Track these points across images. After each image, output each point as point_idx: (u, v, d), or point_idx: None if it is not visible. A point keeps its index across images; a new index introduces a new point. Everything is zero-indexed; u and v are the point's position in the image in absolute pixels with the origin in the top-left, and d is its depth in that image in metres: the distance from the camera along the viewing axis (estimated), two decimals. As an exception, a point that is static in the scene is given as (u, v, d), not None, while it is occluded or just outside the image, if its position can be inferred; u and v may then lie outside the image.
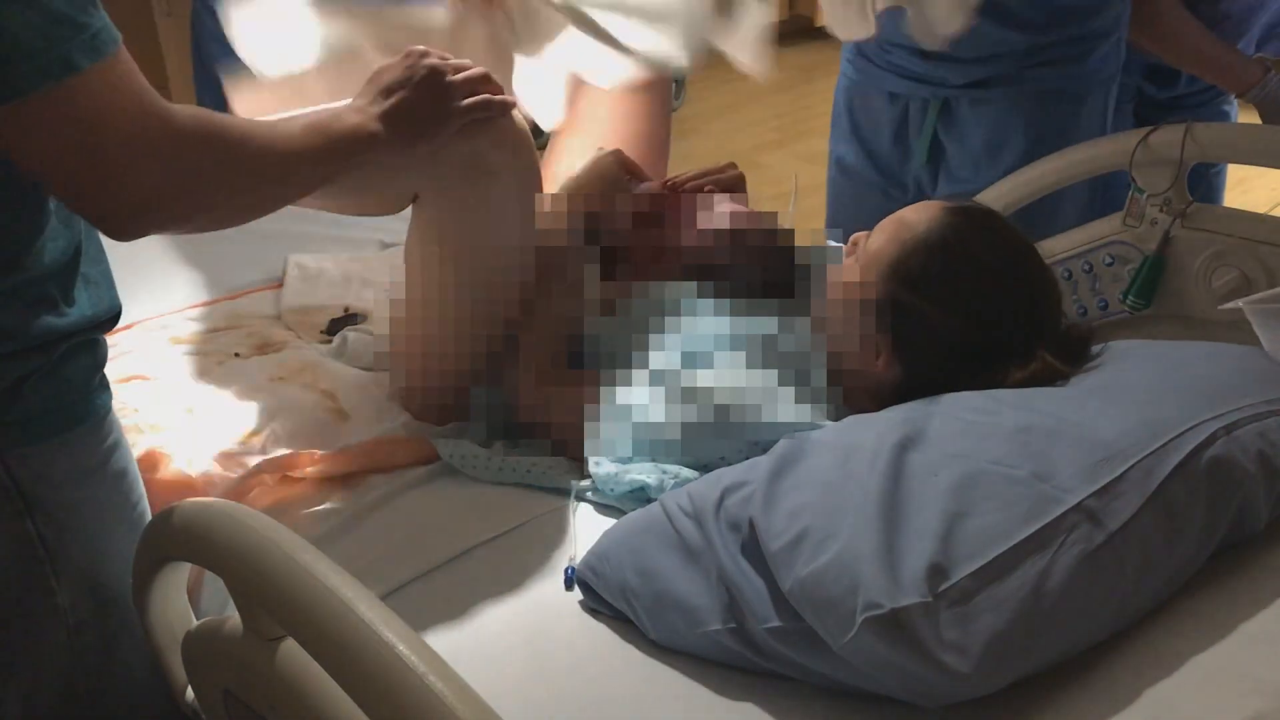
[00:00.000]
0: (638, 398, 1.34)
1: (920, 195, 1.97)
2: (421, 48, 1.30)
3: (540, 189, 1.44)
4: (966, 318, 1.30)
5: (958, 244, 1.31)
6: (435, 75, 1.27)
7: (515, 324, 1.45)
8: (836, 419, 1.31)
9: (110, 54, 0.95)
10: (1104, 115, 1.93)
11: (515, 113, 1.37)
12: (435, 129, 1.28)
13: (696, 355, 1.36)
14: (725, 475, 1.14)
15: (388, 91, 1.25)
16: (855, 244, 1.41)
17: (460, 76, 1.29)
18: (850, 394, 1.36)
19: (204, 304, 1.79)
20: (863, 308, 1.33)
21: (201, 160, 1.02)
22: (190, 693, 1.14)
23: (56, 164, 0.96)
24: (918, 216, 1.35)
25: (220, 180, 1.05)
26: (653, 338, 1.39)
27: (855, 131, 2.02)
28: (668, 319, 1.41)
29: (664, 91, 1.83)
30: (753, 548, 1.06)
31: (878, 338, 1.32)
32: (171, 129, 1.00)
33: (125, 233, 1.02)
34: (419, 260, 1.44)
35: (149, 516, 1.22)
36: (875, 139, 1.99)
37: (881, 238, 1.36)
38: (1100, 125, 1.93)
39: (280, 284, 1.85)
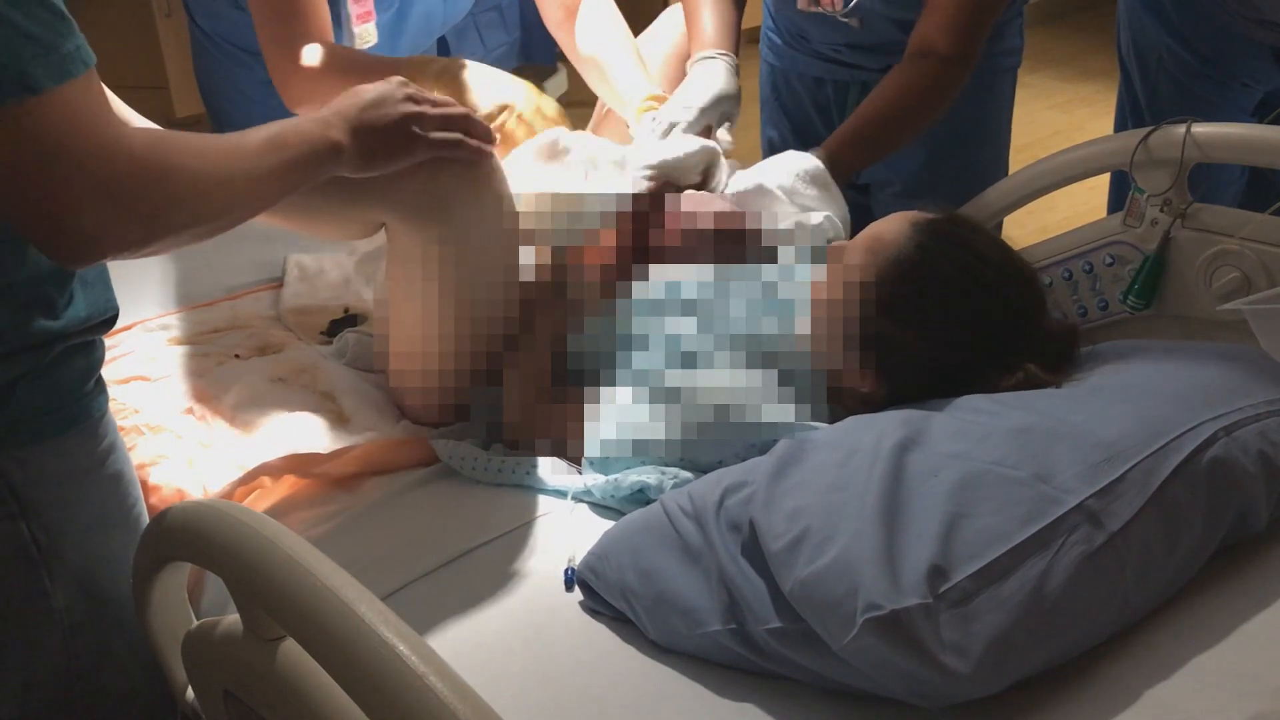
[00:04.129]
0: (635, 404, 1.34)
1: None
2: (401, 78, 1.31)
3: (513, 215, 1.43)
4: (942, 341, 1.30)
5: (926, 266, 1.31)
6: (410, 102, 1.28)
7: (511, 339, 1.44)
8: (832, 422, 1.31)
9: (75, 77, 0.93)
10: (1010, 101, 2.00)
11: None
12: (400, 154, 1.28)
13: (696, 356, 1.36)
14: (725, 476, 1.14)
15: (362, 106, 1.24)
16: (834, 254, 1.41)
17: (436, 111, 1.30)
18: (845, 408, 1.37)
19: (204, 304, 1.78)
20: (845, 326, 1.34)
21: (156, 191, 0.99)
22: (190, 693, 1.14)
23: (4, 185, 0.93)
24: (889, 234, 1.35)
25: (173, 210, 1.02)
26: (651, 338, 1.39)
27: (784, 113, 2.06)
28: (666, 319, 1.41)
29: None
30: (753, 548, 1.06)
31: (861, 358, 1.33)
32: (127, 158, 0.97)
33: (74, 260, 1.00)
34: (397, 284, 1.44)
35: (146, 519, 1.22)
36: (804, 119, 2.04)
37: (856, 257, 1.36)
38: (1007, 110, 2.00)
39: (280, 284, 1.84)
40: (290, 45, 1.67)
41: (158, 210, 1.00)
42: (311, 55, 1.66)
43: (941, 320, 1.31)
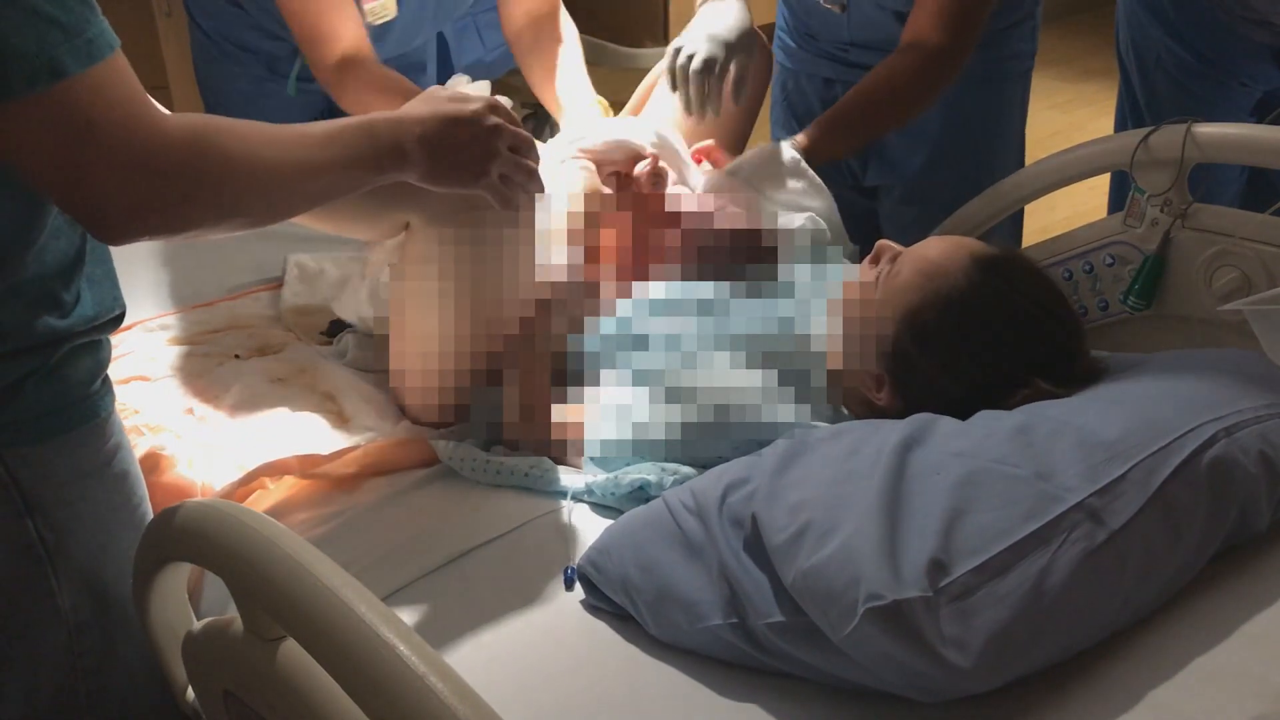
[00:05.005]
0: (635, 403, 1.34)
1: (853, 179, 2.01)
2: (500, 101, 1.25)
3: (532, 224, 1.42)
4: (968, 381, 1.29)
5: (977, 308, 1.29)
6: (495, 135, 1.23)
7: (512, 340, 1.44)
8: (834, 423, 1.31)
9: (103, 59, 0.94)
10: (1023, 105, 1.98)
11: None
12: (464, 180, 1.24)
13: (695, 355, 1.36)
14: (728, 472, 1.14)
15: (445, 120, 1.20)
16: (879, 254, 1.40)
17: (512, 157, 1.25)
18: (853, 410, 1.37)
19: (204, 305, 1.78)
20: (871, 337, 1.33)
21: (192, 172, 0.99)
22: (190, 693, 1.14)
23: (43, 168, 0.95)
24: (946, 263, 1.32)
25: (214, 192, 1.02)
26: (652, 338, 1.39)
27: (792, 114, 2.05)
28: (666, 319, 1.41)
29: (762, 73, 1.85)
30: (755, 543, 1.06)
31: (882, 372, 1.32)
32: (161, 138, 0.97)
33: (115, 239, 1.01)
34: (413, 282, 1.43)
35: (151, 518, 1.22)
36: (811, 121, 2.02)
37: (907, 273, 1.34)
38: (1020, 114, 1.98)
39: (280, 284, 1.84)
40: (324, 51, 1.71)
41: (196, 190, 1.00)
42: (355, 69, 1.70)
43: (974, 364, 1.29)
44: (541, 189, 1.31)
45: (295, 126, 1.11)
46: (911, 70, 1.70)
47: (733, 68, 1.63)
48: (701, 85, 1.59)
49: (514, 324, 1.43)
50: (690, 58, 1.61)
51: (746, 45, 1.64)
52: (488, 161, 1.23)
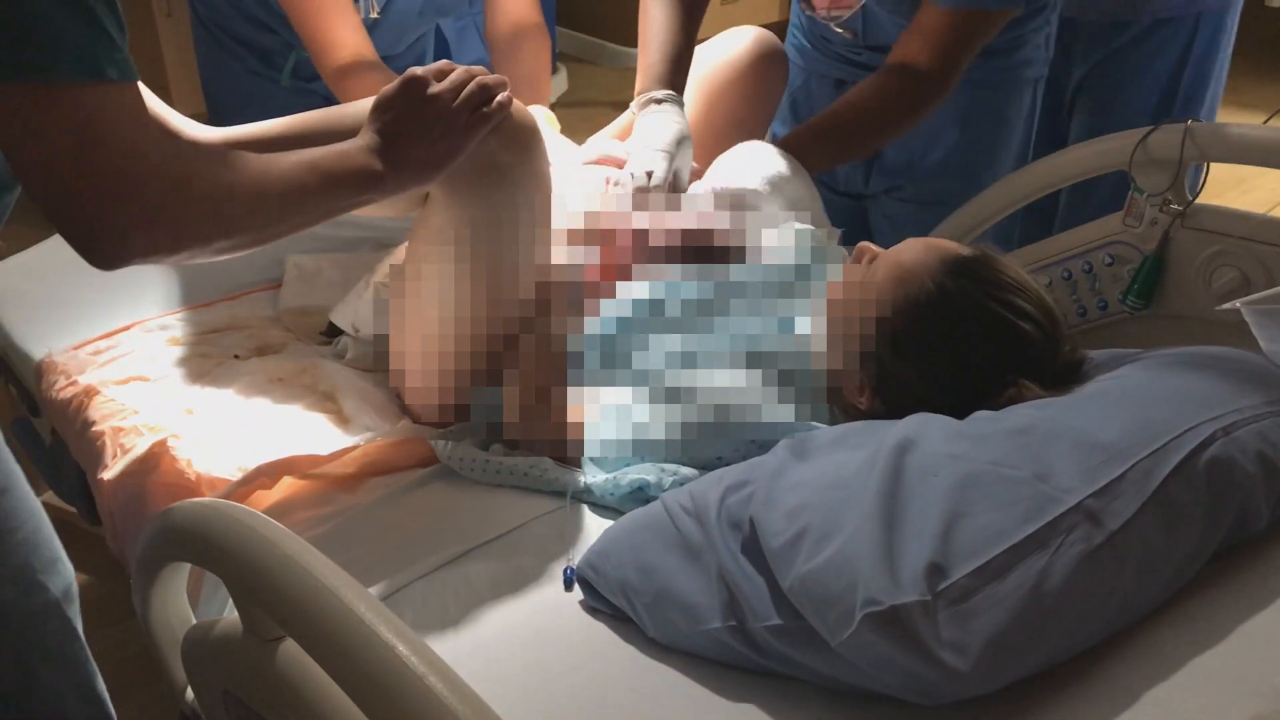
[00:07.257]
0: (635, 403, 1.34)
1: (849, 186, 2.01)
2: (417, 71, 1.24)
3: (549, 183, 1.42)
4: (943, 385, 1.29)
5: (943, 312, 1.29)
6: (437, 106, 1.23)
7: (511, 339, 1.44)
8: (832, 423, 1.31)
9: (130, 80, 0.97)
10: (1031, 114, 1.96)
11: (519, 106, 1.33)
12: (447, 161, 1.24)
13: (695, 355, 1.36)
14: (726, 474, 1.15)
15: (389, 132, 1.20)
16: (860, 255, 1.40)
17: (462, 98, 1.24)
18: (844, 412, 1.37)
19: (203, 305, 1.79)
20: (847, 344, 1.33)
21: (178, 197, 1.01)
22: (190, 693, 1.14)
23: (48, 167, 0.95)
24: (914, 267, 1.32)
25: (199, 218, 1.03)
26: (651, 338, 1.39)
27: (794, 115, 2.04)
28: (665, 319, 1.41)
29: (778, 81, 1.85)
30: (753, 546, 1.06)
31: (861, 376, 1.33)
32: (154, 161, 0.99)
33: (104, 259, 1.01)
34: (426, 261, 1.42)
35: (39, 537, 1.21)
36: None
37: (880, 277, 1.34)
38: (1028, 124, 1.96)
39: (279, 285, 1.85)
40: (328, 58, 1.76)
41: (183, 216, 1.02)
42: (354, 76, 1.73)
43: (946, 368, 1.29)
44: (504, 81, 1.30)
45: (276, 155, 1.12)
46: (898, 94, 1.70)
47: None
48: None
49: (526, 299, 1.42)
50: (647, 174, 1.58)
51: (685, 156, 1.64)
52: (452, 128, 1.23)
